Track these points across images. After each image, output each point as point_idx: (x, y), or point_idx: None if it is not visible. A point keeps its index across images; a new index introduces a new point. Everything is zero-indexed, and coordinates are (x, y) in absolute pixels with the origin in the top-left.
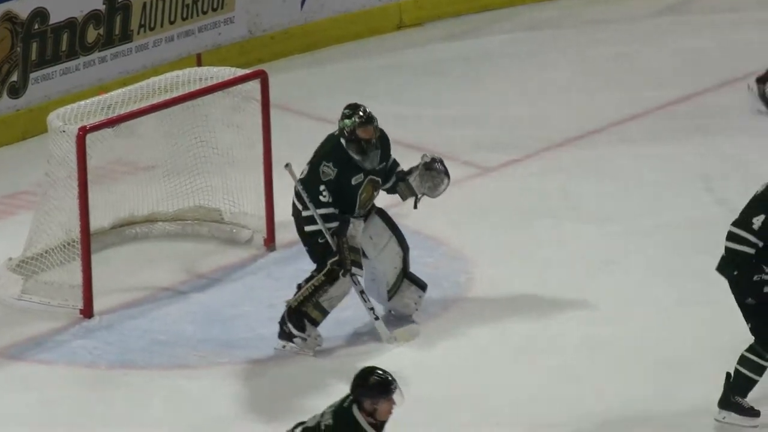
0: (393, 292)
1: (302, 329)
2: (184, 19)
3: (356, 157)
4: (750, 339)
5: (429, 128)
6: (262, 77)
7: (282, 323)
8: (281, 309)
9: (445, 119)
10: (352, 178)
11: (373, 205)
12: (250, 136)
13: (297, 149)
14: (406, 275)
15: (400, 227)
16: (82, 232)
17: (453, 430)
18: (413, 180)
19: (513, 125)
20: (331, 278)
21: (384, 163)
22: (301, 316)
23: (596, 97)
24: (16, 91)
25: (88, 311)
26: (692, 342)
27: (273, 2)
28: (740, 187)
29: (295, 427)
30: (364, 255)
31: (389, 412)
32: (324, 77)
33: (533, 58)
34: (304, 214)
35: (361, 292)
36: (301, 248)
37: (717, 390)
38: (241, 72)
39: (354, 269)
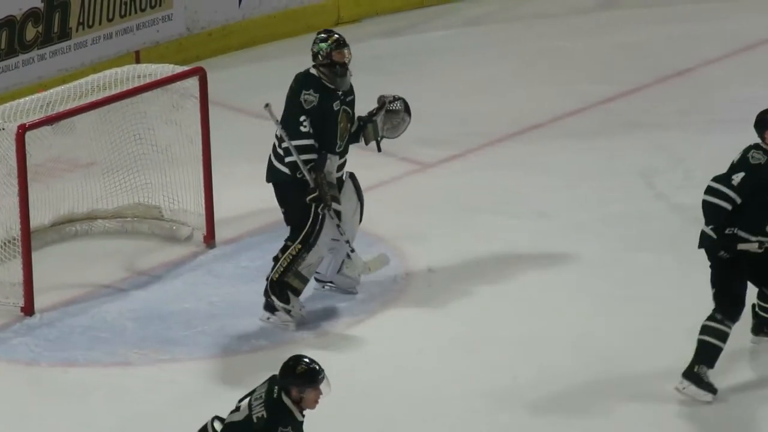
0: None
1: (286, 301)
2: (122, 17)
3: (330, 84)
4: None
5: None
6: (201, 74)
7: (266, 295)
8: (221, 306)
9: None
10: (332, 103)
11: (344, 169)
12: (189, 132)
13: (236, 145)
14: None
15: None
16: (23, 229)
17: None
18: (379, 121)
19: (453, 121)
20: (308, 245)
21: (353, 96)
22: (283, 287)
23: (537, 92)
24: None
25: (29, 309)
26: (634, 335)
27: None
28: (680, 181)
29: (212, 420)
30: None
31: (316, 402)
32: (262, 74)
33: (473, 53)
34: (287, 159)
35: (338, 226)
36: (242, 245)
37: (658, 383)
38: (179, 69)
39: (333, 204)
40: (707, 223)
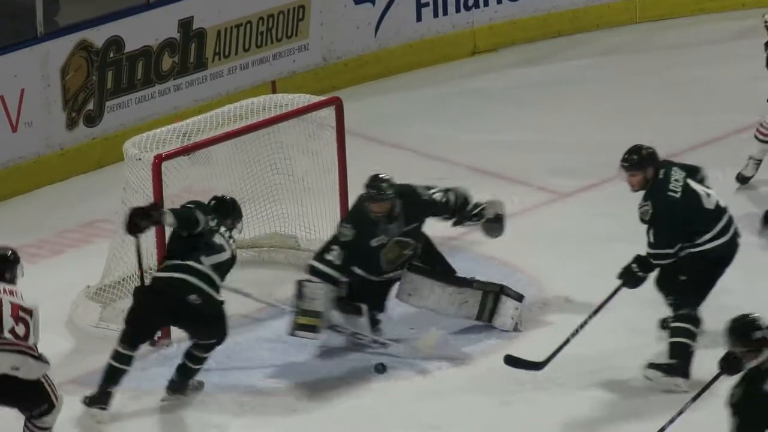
0: (487, 315)
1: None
2: (258, 47)
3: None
4: None
5: (504, 154)
6: (337, 104)
7: None
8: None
9: (519, 144)
10: (371, 240)
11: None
12: (325, 162)
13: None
14: (499, 294)
15: (471, 255)
16: (159, 259)
17: None
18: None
19: (589, 150)
20: None
21: (416, 224)
22: None
23: (672, 121)
24: (92, 120)
25: (165, 339)
26: None
27: (347, 29)
28: None
29: None
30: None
31: None
32: (398, 104)
33: (608, 83)
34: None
35: (354, 334)
36: None
37: None
38: (315, 99)
39: (299, 332)
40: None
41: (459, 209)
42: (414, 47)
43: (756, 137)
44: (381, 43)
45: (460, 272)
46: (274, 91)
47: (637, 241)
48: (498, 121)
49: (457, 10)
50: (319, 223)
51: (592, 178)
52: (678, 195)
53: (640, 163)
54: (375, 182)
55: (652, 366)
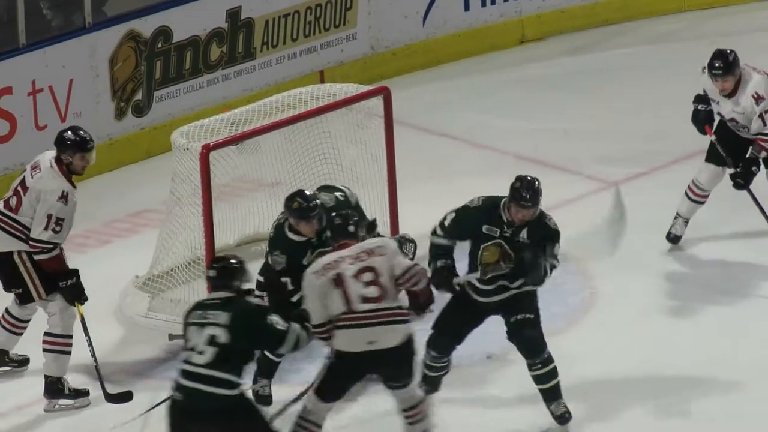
0: None
1: None
2: (306, 37)
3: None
4: None
5: (552, 142)
6: (385, 93)
7: None
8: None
9: (567, 133)
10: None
11: None
12: (373, 152)
13: (419, 164)
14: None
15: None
16: (207, 249)
17: None
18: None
19: (638, 139)
20: None
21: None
22: None
23: None
24: (140, 110)
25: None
26: None
27: (395, 19)
28: None
29: None
30: None
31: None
32: (446, 93)
33: (656, 71)
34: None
35: None
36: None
37: None
38: (363, 88)
39: None
40: None
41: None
42: (462, 36)
43: (687, 195)
44: (429, 33)
45: None
46: (322, 81)
47: (687, 229)
48: (546, 109)
49: (505, 0)
50: (368, 211)
51: (642, 166)
52: None
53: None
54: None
55: None
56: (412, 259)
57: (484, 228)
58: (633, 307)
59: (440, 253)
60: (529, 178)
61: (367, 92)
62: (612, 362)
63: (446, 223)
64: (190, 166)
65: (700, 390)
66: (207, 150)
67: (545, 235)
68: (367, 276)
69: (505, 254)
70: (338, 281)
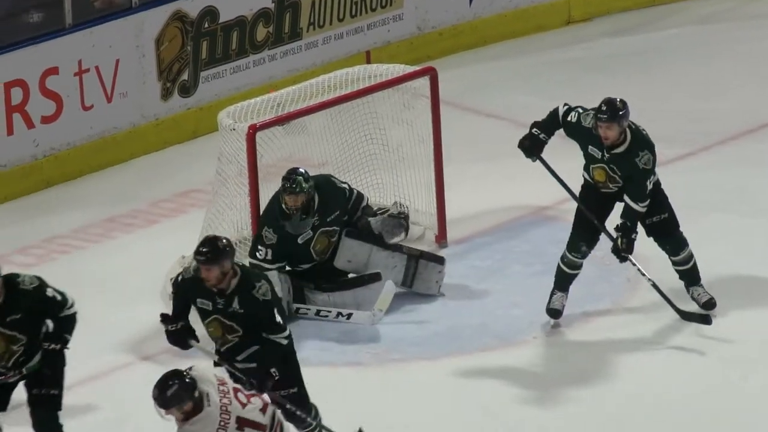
0: (410, 280)
1: None
2: (353, 17)
3: (285, 221)
4: None
5: None
6: (432, 74)
7: None
8: (452, 306)
9: None
10: (297, 237)
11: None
12: (419, 132)
13: (466, 145)
14: (419, 259)
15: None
16: (254, 229)
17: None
18: (375, 222)
19: (683, 119)
20: None
21: (337, 212)
22: None
23: (764, 93)
24: (186, 90)
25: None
26: None
27: None
28: None
29: None
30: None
31: None
32: (493, 73)
33: (703, 52)
34: None
35: (318, 312)
36: (472, 245)
37: None
38: (410, 69)
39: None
40: None
41: (362, 205)
42: (509, 17)
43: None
44: (476, 13)
45: (558, 243)
46: (368, 61)
47: (731, 210)
48: (592, 90)
49: None
50: (415, 192)
51: (687, 147)
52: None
53: (619, 115)
54: (290, 175)
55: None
56: (405, 232)
57: (590, 149)
58: (678, 288)
59: (547, 126)
60: (613, 97)
61: (414, 72)
62: (653, 343)
63: (569, 119)
64: (236, 146)
65: (757, 367)
66: (253, 130)
67: (629, 175)
68: None
69: (610, 177)
70: None
